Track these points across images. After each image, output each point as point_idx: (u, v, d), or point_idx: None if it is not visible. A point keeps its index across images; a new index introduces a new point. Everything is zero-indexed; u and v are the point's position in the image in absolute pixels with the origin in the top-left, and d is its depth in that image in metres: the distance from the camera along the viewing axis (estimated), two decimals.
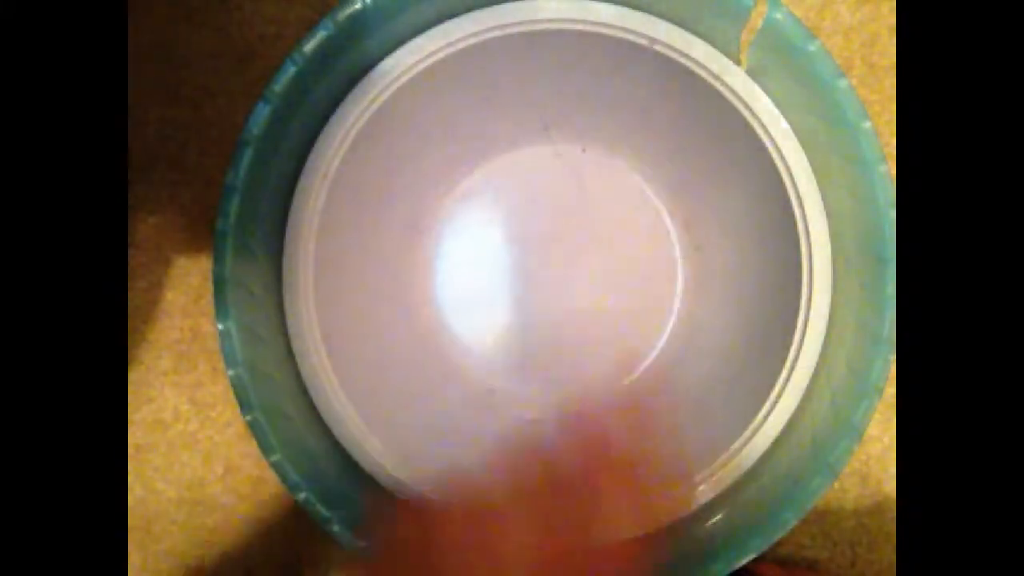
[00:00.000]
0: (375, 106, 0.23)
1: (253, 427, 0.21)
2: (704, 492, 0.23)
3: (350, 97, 0.23)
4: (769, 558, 0.28)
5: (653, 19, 0.23)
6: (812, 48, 0.21)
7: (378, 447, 0.23)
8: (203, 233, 0.28)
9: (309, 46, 0.22)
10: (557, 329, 0.28)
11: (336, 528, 0.22)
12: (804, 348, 0.22)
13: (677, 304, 0.27)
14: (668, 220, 0.27)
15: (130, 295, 0.28)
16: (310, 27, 0.22)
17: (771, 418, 0.22)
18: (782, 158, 0.23)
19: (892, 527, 0.28)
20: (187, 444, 0.28)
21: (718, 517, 0.23)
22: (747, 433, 0.23)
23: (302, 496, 0.22)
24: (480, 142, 0.27)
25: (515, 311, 0.28)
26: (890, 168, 0.21)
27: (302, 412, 0.23)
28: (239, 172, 0.22)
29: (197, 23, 0.28)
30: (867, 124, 0.21)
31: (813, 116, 0.22)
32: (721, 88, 0.23)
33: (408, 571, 0.20)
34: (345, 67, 0.23)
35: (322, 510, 0.22)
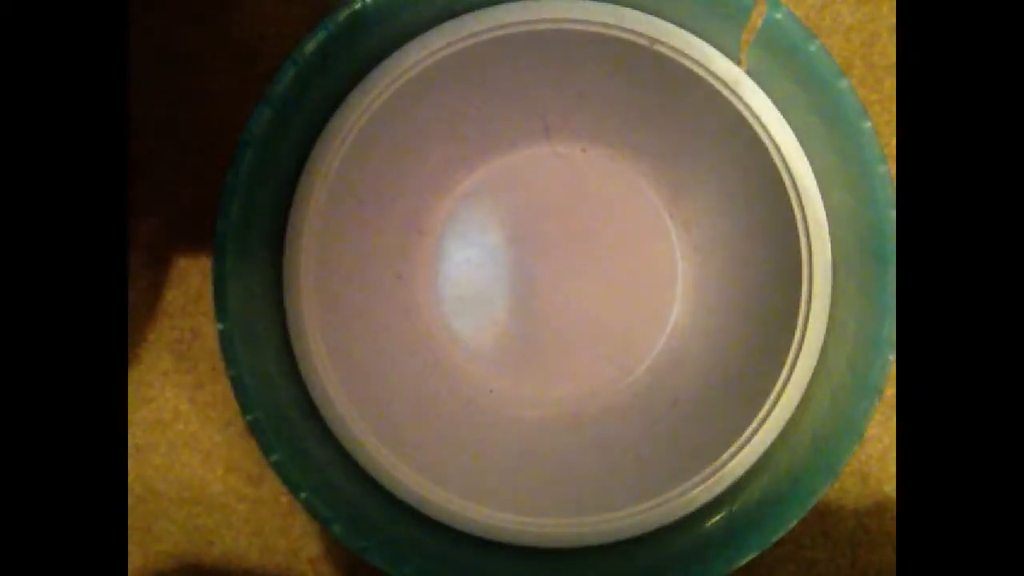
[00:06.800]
0: (375, 106, 0.23)
1: (253, 427, 0.21)
2: (704, 492, 0.23)
3: (350, 97, 0.23)
4: (769, 558, 0.28)
5: (653, 19, 0.23)
6: (812, 48, 0.21)
7: (378, 446, 0.23)
8: (203, 233, 0.28)
9: (309, 46, 0.22)
10: (557, 329, 0.28)
11: (337, 528, 0.22)
12: (804, 348, 0.22)
13: (677, 304, 0.27)
14: (668, 220, 0.27)
15: (130, 295, 0.28)
16: (310, 27, 0.22)
17: (771, 418, 0.22)
18: (782, 158, 0.23)
19: (892, 527, 0.28)
20: (187, 444, 0.28)
21: (718, 517, 0.23)
22: (747, 433, 0.23)
23: (303, 496, 0.22)
24: (480, 142, 0.27)
25: (515, 311, 0.28)
26: (890, 168, 0.21)
27: (302, 412, 0.23)
28: (239, 172, 0.22)
29: (197, 23, 0.28)
30: (867, 124, 0.21)
31: (813, 116, 0.22)
32: (721, 88, 0.23)
33: None
34: (345, 67, 0.23)
35: (323, 510, 0.22)
